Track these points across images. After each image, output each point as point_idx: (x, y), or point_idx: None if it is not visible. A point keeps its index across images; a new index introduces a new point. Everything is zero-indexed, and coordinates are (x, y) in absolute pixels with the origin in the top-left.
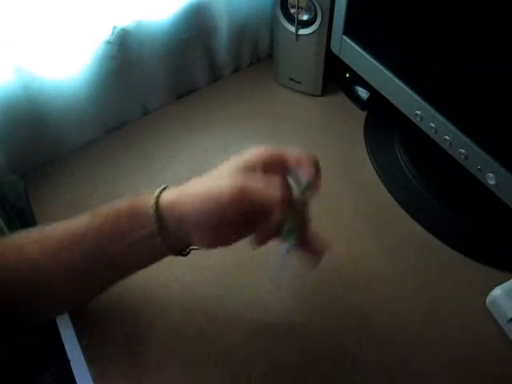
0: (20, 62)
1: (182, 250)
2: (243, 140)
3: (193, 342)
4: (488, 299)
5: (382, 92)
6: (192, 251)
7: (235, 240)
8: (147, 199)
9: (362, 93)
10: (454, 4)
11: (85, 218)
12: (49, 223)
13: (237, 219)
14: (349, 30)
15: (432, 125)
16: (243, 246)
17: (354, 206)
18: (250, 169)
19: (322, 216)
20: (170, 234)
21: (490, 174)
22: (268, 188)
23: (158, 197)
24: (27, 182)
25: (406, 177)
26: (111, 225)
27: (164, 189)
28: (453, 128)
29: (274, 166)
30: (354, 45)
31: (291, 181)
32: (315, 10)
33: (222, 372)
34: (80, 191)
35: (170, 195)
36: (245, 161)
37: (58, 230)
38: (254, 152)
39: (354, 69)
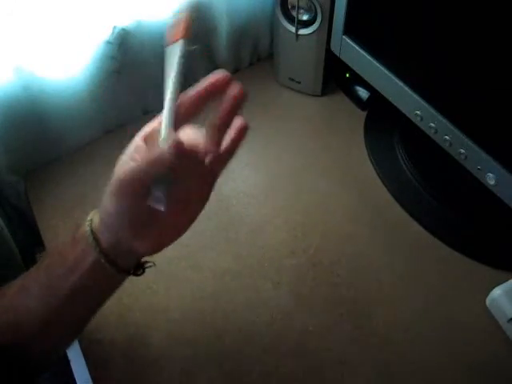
0: (20, 62)
1: (135, 269)
2: (243, 140)
3: (193, 341)
4: (488, 299)
5: (382, 92)
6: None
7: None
8: (83, 228)
9: (362, 93)
10: (454, 4)
11: (36, 265)
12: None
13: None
14: (349, 30)
15: (432, 125)
16: (243, 247)
17: (353, 206)
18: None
19: (321, 215)
20: (112, 253)
21: (490, 174)
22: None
23: (91, 220)
24: (27, 182)
25: (406, 177)
26: (58, 263)
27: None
28: (453, 128)
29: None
30: (353, 45)
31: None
32: (315, 10)
33: (221, 372)
34: (80, 191)
35: (98, 215)
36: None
37: (16, 280)
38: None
39: (354, 69)
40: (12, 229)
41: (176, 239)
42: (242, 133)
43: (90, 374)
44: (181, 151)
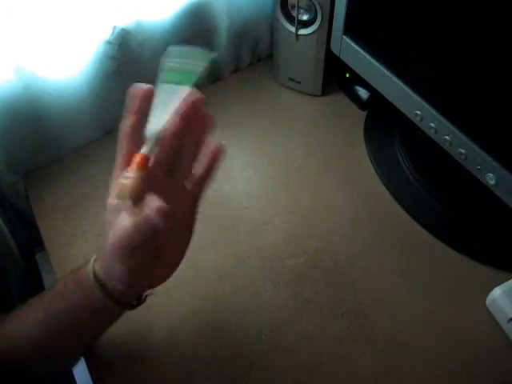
0: (20, 62)
1: (137, 301)
2: (243, 140)
3: (193, 342)
4: (488, 299)
5: (382, 92)
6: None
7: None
8: (86, 273)
9: (362, 93)
10: (454, 4)
11: (39, 297)
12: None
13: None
14: (349, 30)
15: (432, 125)
16: (243, 247)
17: (353, 206)
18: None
19: (321, 216)
20: (116, 296)
21: (490, 174)
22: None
23: (95, 260)
24: (27, 182)
25: (406, 177)
26: (58, 303)
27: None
28: (453, 128)
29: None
30: (354, 45)
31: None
32: (315, 9)
33: (222, 372)
34: (80, 191)
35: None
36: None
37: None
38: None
39: (354, 69)
40: (12, 229)
41: (175, 269)
42: (218, 156)
43: (90, 373)
44: (164, 215)
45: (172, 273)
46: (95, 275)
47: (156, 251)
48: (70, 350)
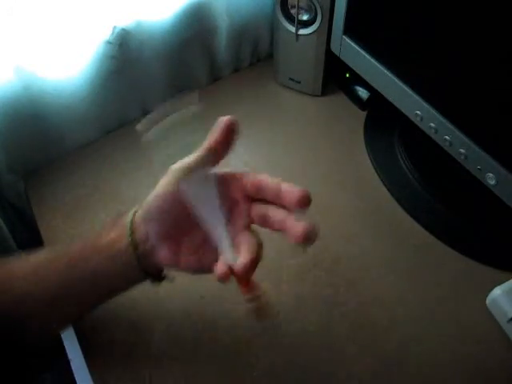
0: (20, 62)
1: (154, 274)
2: (243, 140)
3: (193, 342)
4: (488, 299)
5: (382, 92)
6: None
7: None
8: (126, 216)
9: (362, 93)
10: (454, 4)
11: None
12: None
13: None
14: (349, 30)
15: (432, 125)
16: None
17: (353, 206)
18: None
19: (321, 216)
20: (139, 247)
21: (490, 174)
22: None
23: (136, 211)
24: (27, 182)
25: (406, 177)
26: (92, 242)
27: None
28: (453, 128)
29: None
30: (354, 45)
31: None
32: (315, 10)
33: (222, 372)
34: (80, 191)
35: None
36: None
37: (38, 254)
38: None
39: (354, 69)
40: (12, 229)
41: (190, 269)
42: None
43: (90, 373)
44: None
45: (184, 267)
46: (132, 219)
47: (181, 225)
48: (74, 305)
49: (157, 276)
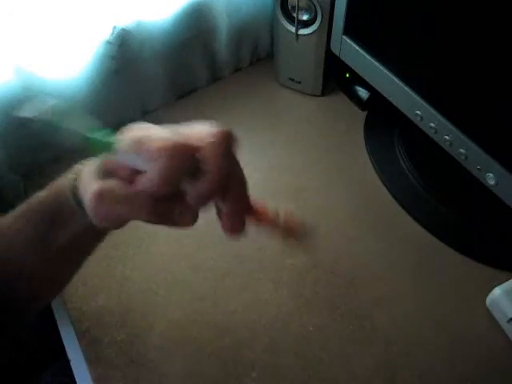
0: (20, 63)
1: None
2: (243, 140)
3: (192, 342)
4: (488, 299)
5: (382, 92)
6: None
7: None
8: (65, 184)
9: (362, 93)
10: (454, 4)
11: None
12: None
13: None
14: (349, 30)
15: (432, 125)
16: (243, 247)
17: (354, 206)
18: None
19: (321, 216)
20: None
21: (490, 174)
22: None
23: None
24: (27, 182)
25: (406, 177)
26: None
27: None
28: (453, 128)
29: None
30: (354, 45)
31: None
32: (315, 9)
33: (222, 372)
34: None
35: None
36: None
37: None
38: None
39: (354, 69)
40: None
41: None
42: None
43: (90, 373)
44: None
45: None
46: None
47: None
48: (57, 268)
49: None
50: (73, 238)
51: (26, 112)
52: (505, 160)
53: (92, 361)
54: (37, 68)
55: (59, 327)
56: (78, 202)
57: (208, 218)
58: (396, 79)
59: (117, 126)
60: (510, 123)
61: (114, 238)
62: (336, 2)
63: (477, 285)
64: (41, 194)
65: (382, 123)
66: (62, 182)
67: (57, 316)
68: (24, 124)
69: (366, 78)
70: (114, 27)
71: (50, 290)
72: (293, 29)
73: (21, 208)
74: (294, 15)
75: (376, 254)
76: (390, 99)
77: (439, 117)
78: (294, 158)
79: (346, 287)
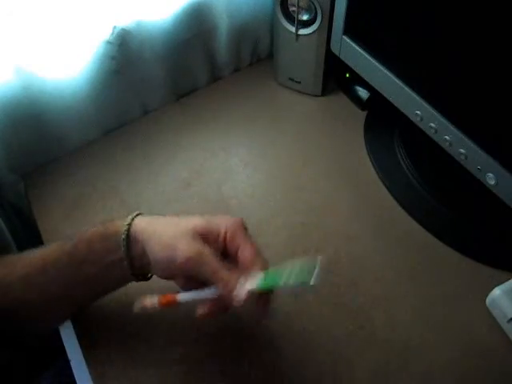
0: (20, 63)
1: (145, 276)
2: (243, 140)
3: (193, 342)
4: (488, 299)
5: (382, 92)
6: None
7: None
8: (119, 225)
9: (362, 93)
10: (454, 4)
11: (59, 243)
12: (25, 251)
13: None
14: (349, 30)
15: (432, 125)
16: None
17: (354, 206)
18: (215, 237)
19: (321, 216)
20: (135, 261)
21: (490, 174)
22: (221, 268)
23: (130, 224)
24: (27, 182)
25: (406, 177)
26: (85, 249)
27: (137, 215)
28: (453, 128)
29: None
30: (354, 45)
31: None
32: (315, 9)
33: (222, 372)
34: (80, 191)
35: (140, 224)
36: (212, 228)
37: (32, 255)
38: (224, 223)
39: (354, 69)
40: (12, 229)
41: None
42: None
43: (90, 374)
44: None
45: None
46: (128, 234)
47: None
48: (72, 304)
49: (146, 275)
50: (104, 294)
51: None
52: (505, 160)
53: (92, 361)
54: (37, 68)
55: (59, 327)
56: (133, 267)
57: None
58: (396, 79)
59: (117, 126)
60: (510, 123)
61: None
62: (336, 2)
63: (477, 285)
64: (66, 254)
65: (382, 123)
66: (102, 247)
67: None
68: (24, 124)
69: (366, 78)
70: (114, 27)
71: (59, 323)
72: (293, 29)
73: (40, 258)
74: (294, 15)
75: (376, 254)
76: (390, 99)
77: (439, 117)
78: (294, 158)
79: (346, 287)
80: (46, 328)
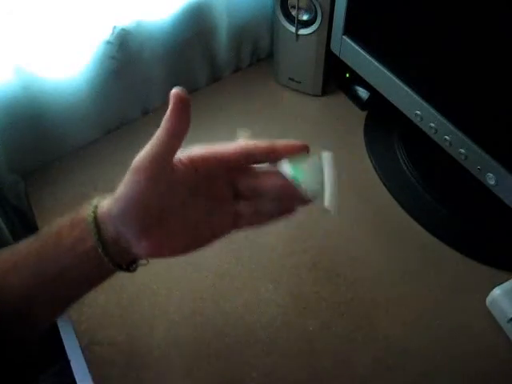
0: (20, 63)
1: (127, 265)
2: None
3: (193, 342)
4: (488, 299)
5: (382, 92)
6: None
7: (182, 239)
8: (86, 210)
9: (362, 93)
10: (454, 4)
11: (29, 239)
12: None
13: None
14: (349, 30)
15: (432, 125)
16: (243, 247)
17: (353, 206)
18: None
19: (322, 216)
20: (110, 245)
21: (490, 174)
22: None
23: (96, 207)
24: (27, 182)
25: (406, 177)
26: (53, 241)
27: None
28: (453, 128)
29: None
30: (354, 45)
31: None
32: (315, 9)
33: (222, 372)
34: (80, 191)
35: (107, 204)
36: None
37: (4, 253)
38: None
39: (354, 69)
40: (12, 229)
41: (176, 255)
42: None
43: (90, 373)
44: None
45: (169, 254)
46: (95, 217)
47: (160, 218)
48: (52, 301)
49: (130, 266)
50: (87, 288)
51: None
52: (505, 160)
53: (92, 361)
54: (37, 68)
55: (59, 327)
56: (110, 255)
57: None
58: (396, 79)
59: (117, 126)
60: (510, 123)
61: None
62: (336, 2)
63: (477, 285)
64: (36, 249)
65: (382, 123)
66: (71, 238)
67: None
68: (24, 124)
69: (366, 78)
70: (114, 27)
71: (46, 320)
72: (293, 29)
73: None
74: (294, 15)
75: (376, 254)
76: (390, 99)
77: (439, 117)
78: None
79: (346, 287)
80: (33, 330)
